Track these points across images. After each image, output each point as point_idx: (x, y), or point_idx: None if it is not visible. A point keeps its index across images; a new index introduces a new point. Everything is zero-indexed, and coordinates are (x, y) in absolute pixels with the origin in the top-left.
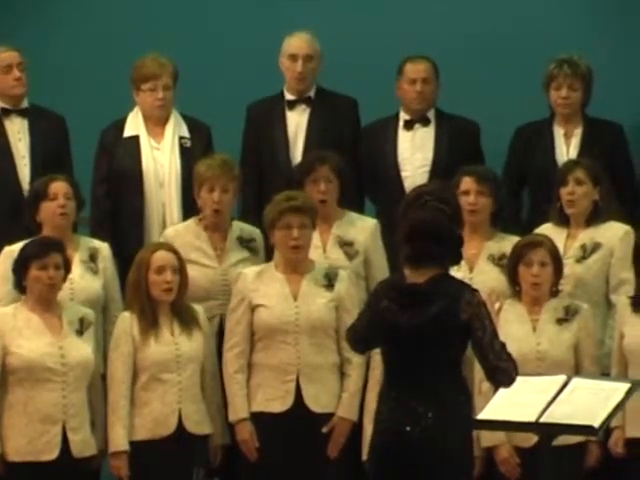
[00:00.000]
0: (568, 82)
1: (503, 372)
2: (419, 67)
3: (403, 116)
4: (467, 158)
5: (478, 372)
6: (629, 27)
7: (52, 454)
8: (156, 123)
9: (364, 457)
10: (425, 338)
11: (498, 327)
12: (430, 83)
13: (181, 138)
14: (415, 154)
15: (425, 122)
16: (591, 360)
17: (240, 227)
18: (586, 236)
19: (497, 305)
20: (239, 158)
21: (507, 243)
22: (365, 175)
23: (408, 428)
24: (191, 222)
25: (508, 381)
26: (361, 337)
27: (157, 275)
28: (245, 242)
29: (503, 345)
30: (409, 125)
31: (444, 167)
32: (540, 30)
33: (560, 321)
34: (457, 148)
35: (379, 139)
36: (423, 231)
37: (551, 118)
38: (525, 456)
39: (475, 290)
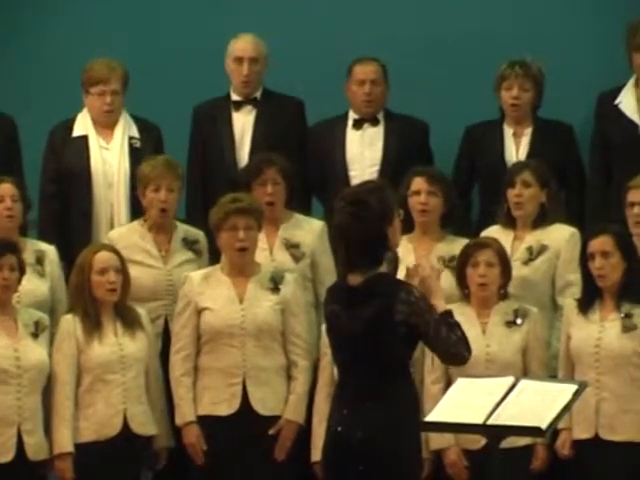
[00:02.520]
0: (519, 83)
1: (454, 357)
2: (367, 69)
3: (352, 115)
4: (416, 158)
5: (427, 374)
6: (579, 29)
7: (7, 456)
8: (105, 124)
9: (313, 459)
10: (365, 340)
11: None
12: (379, 84)
13: (131, 138)
14: (364, 153)
15: (374, 122)
16: (539, 363)
17: (185, 229)
18: (533, 238)
19: (437, 271)
20: (186, 159)
21: (457, 245)
22: (313, 174)
23: (355, 430)
24: (135, 224)
25: (461, 362)
26: None
27: (100, 276)
28: (189, 244)
29: (449, 328)
30: (358, 124)
31: (393, 167)
32: (491, 31)
33: (509, 324)
34: (406, 148)
35: (328, 138)
36: (335, 237)
37: (501, 119)
38: (473, 458)
39: (412, 286)
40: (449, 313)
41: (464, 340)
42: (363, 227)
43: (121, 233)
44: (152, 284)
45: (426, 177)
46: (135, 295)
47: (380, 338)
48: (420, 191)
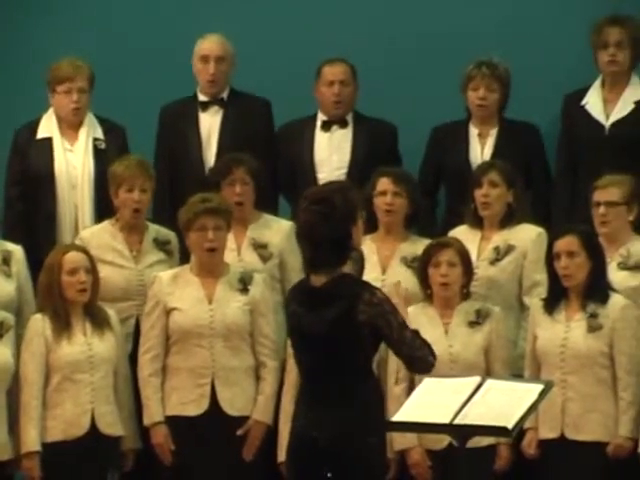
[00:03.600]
0: (486, 83)
1: (420, 360)
2: (337, 69)
3: (321, 117)
4: (384, 160)
5: (390, 374)
6: (545, 29)
7: None
8: (70, 125)
9: (280, 459)
10: (328, 341)
11: (407, 319)
12: (348, 85)
13: (95, 140)
14: (332, 155)
15: (343, 124)
16: (502, 363)
17: (156, 229)
18: (499, 238)
19: (403, 292)
20: (153, 160)
21: (420, 245)
22: (282, 175)
23: (319, 432)
24: (106, 224)
25: (427, 367)
26: None
27: (70, 276)
28: (161, 244)
29: (414, 334)
30: (327, 126)
31: (361, 169)
32: (458, 32)
33: (472, 324)
34: (374, 150)
35: (296, 139)
36: (300, 236)
37: (468, 119)
38: (437, 459)
39: (375, 288)
40: (416, 332)
41: (429, 347)
42: (328, 226)
43: (92, 233)
44: (123, 284)
45: (392, 178)
46: (106, 295)
47: (343, 339)
48: (386, 191)
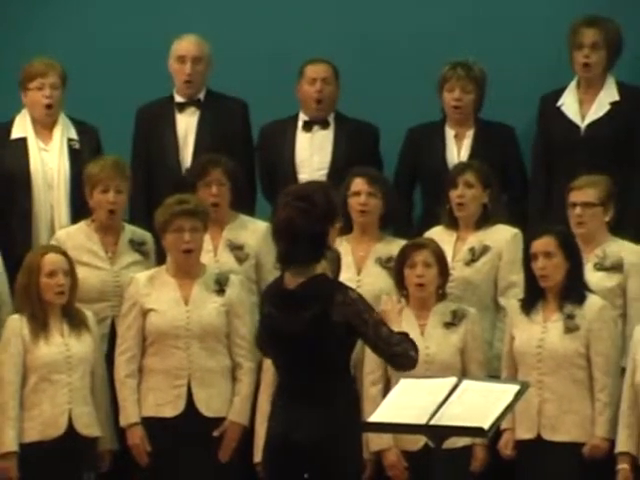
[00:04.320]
0: (461, 84)
1: (400, 356)
2: (319, 68)
3: (302, 117)
4: (365, 162)
5: (366, 375)
6: (521, 30)
7: None
8: (44, 125)
9: (256, 459)
10: (304, 343)
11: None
12: (330, 84)
13: (70, 140)
14: (313, 156)
15: (324, 124)
16: (478, 364)
17: (132, 230)
18: (475, 239)
19: (399, 306)
20: (129, 161)
21: (395, 246)
22: (263, 175)
23: (294, 432)
24: (82, 224)
25: (409, 362)
26: (262, 343)
27: (49, 278)
28: (137, 245)
29: (391, 330)
30: (308, 127)
31: (342, 170)
32: (437, 33)
33: (447, 325)
34: (355, 151)
35: (278, 139)
36: (278, 231)
37: (443, 120)
38: (412, 459)
39: (348, 288)
40: (406, 334)
41: (410, 342)
42: (307, 221)
43: (68, 233)
44: (99, 285)
45: (366, 178)
46: (82, 296)
47: (319, 340)
48: (360, 192)
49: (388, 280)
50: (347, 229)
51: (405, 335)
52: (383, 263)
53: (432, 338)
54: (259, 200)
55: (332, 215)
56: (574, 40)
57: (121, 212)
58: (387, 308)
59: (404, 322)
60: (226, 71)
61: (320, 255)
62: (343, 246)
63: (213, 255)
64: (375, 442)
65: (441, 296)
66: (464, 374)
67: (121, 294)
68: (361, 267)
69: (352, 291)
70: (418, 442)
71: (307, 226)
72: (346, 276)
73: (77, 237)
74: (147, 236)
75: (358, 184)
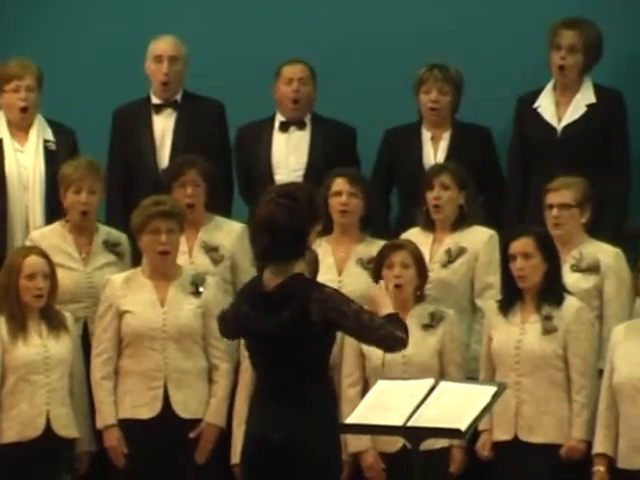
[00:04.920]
0: (438, 86)
1: (387, 339)
2: (296, 68)
3: (279, 118)
4: (342, 163)
5: (344, 377)
6: (498, 32)
7: None
8: (19, 127)
9: (233, 461)
10: (282, 343)
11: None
12: (307, 84)
13: (46, 141)
14: (289, 157)
15: (301, 125)
16: (456, 366)
17: (106, 231)
18: (451, 240)
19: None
20: (106, 162)
21: (376, 247)
22: (240, 176)
23: (272, 432)
24: (57, 225)
25: (397, 342)
26: (229, 328)
27: (28, 281)
28: (111, 246)
29: (372, 316)
30: (284, 127)
31: (318, 171)
32: (414, 33)
33: (426, 327)
34: (332, 152)
35: (254, 140)
36: (258, 228)
37: (420, 122)
38: (390, 461)
39: (324, 285)
40: (395, 314)
41: (397, 321)
42: (289, 218)
43: (42, 234)
44: (72, 286)
45: (347, 178)
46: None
47: (297, 340)
48: (341, 192)
49: (369, 281)
50: (327, 230)
51: (392, 316)
52: (364, 264)
53: (411, 340)
54: (236, 201)
55: (314, 215)
56: (552, 41)
57: (94, 213)
58: (375, 293)
59: None
60: (202, 72)
61: (300, 253)
62: (323, 247)
63: (188, 257)
64: (353, 444)
65: (419, 297)
66: (442, 376)
67: (95, 295)
68: (342, 268)
69: (327, 287)
70: (396, 444)
71: (289, 223)
72: (327, 277)
73: (51, 238)
74: (122, 237)
75: (339, 184)
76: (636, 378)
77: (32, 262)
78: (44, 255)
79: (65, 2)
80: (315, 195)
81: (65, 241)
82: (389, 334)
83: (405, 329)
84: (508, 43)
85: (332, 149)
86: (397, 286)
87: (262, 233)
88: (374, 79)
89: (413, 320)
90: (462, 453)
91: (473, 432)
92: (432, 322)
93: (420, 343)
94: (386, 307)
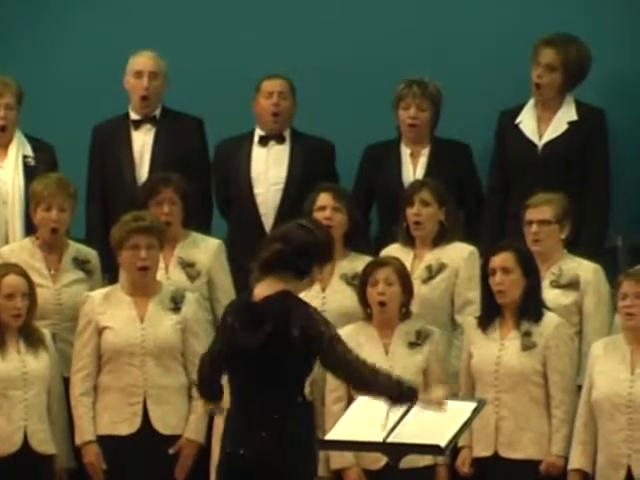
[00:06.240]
0: (416, 102)
1: (352, 373)
2: (276, 82)
3: (258, 132)
4: (321, 178)
5: (328, 393)
6: (478, 48)
7: None
8: None
9: (212, 477)
10: (261, 357)
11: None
12: (286, 99)
13: (25, 157)
14: (269, 171)
15: (280, 139)
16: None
17: (76, 248)
18: (432, 257)
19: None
20: (85, 178)
21: (360, 263)
22: (219, 191)
23: (247, 449)
24: (27, 241)
25: (361, 381)
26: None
27: (6, 301)
28: (80, 263)
29: (347, 349)
30: (264, 141)
31: (297, 185)
32: (393, 50)
33: (412, 345)
34: (312, 167)
35: (234, 154)
36: (272, 237)
37: (399, 138)
38: (373, 478)
39: (306, 304)
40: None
41: (370, 366)
42: (306, 238)
43: (12, 250)
44: (40, 303)
45: (332, 193)
46: None
47: (276, 355)
48: (326, 207)
49: (353, 297)
50: None
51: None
52: (348, 280)
53: (396, 357)
54: (215, 217)
55: (327, 251)
56: (533, 58)
57: (64, 230)
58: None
59: (368, 341)
60: (181, 88)
61: (299, 273)
62: None
63: (165, 273)
64: (336, 460)
65: (405, 315)
66: None
67: (62, 312)
68: (326, 284)
69: (312, 307)
70: (380, 461)
71: (302, 240)
72: (311, 293)
73: (20, 254)
74: (92, 254)
75: (323, 199)
76: (614, 394)
77: (11, 282)
78: (23, 274)
79: (45, 18)
80: (333, 241)
81: (34, 257)
82: (361, 374)
83: (373, 370)
84: (490, 59)
85: (311, 164)
86: (381, 303)
87: (273, 242)
88: (353, 95)
89: (400, 337)
90: (447, 471)
91: (453, 448)
92: (418, 340)
93: (406, 361)
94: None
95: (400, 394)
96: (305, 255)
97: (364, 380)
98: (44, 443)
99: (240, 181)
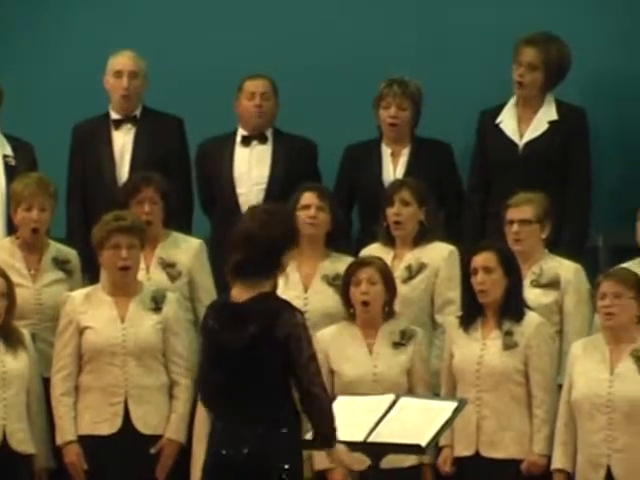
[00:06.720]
0: (397, 101)
1: (315, 398)
2: (258, 82)
3: (241, 132)
4: (304, 177)
5: None
6: (461, 47)
7: None
8: None
9: (193, 477)
10: (246, 358)
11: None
12: (269, 99)
13: (5, 157)
14: (251, 171)
15: (262, 139)
16: (424, 385)
17: (57, 248)
18: (412, 256)
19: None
20: (65, 177)
21: (342, 263)
22: (201, 191)
23: (234, 449)
24: (7, 241)
25: (318, 409)
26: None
27: None
28: (60, 263)
29: (319, 371)
30: (246, 141)
31: (280, 185)
32: (374, 50)
33: (396, 345)
34: (294, 167)
35: (216, 154)
36: (235, 241)
37: (380, 137)
38: (359, 479)
39: (296, 310)
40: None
41: (328, 395)
42: (268, 234)
43: None
44: (19, 302)
45: (317, 192)
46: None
47: (261, 356)
48: (310, 205)
49: (335, 298)
50: None
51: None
52: (330, 281)
53: (380, 357)
54: (196, 217)
55: (292, 236)
56: (515, 57)
57: (44, 230)
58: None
59: (352, 341)
60: (161, 88)
61: (272, 271)
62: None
63: (145, 273)
64: (321, 461)
65: (388, 314)
66: (410, 394)
67: (42, 312)
68: (308, 285)
69: (299, 313)
70: (365, 461)
71: (265, 239)
72: (293, 294)
73: (0, 254)
74: (72, 254)
75: (308, 198)
76: (594, 394)
77: None
78: (2, 274)
79: (24, 19)
80: (294, 218)
81: (14, 257)
82: (318, 396)
83: (329, 403)
84: (471, 58)
85: (294, 163)
86: (364, 303)
87: (237, 247)
88: (336, 95)
89: (384, 337)
90: (432, 471)
91: (433, 448)
92: (402, 340)
93: (391, 361)
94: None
95: (330, 437)
96: (273, 254)
97: (319, 408)
98: (23, 443)
99: (223, 181)
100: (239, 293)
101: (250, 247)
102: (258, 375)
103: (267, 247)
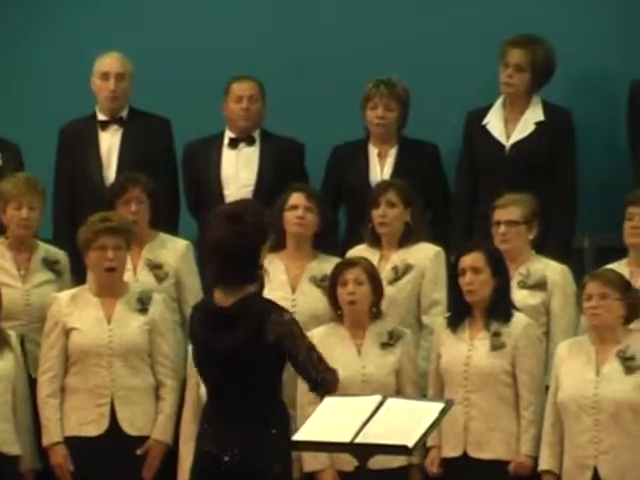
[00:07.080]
0: (384, 102)
1: (325, 383)
2: (245, 85)
3: (228, 134)
4: (291, 178)
5: (301, 395)
6: (447, 48)
7: None
8: None
9: (180, 479)
10: (234, 361)
11: None
12: (256, 101)
13: None
14: (239, 172)
15: (250, 141)
16: (413, 385)
17: (46, 248)
18: (398, 258)
19: None
20: (52, 178)
21: (329, 264)
22: (189, 193)
23: (223, 450)
24: None
25: (333, 389)
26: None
27: None
28: (50, 264)
29: (320, 357)
30: (234, 143)
31: (268, 187)
32: (362, 50)
33: (384, 345)
34: (281, 168)
35: (203, 156)
36: (210, 252)
37: (367, 138)
38: None
39: (284, 310)
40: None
41: (332, 370)
42: (240, 242)
43: None
44: (9, 303)
45: (305, 193)
46: None
47: (250, 359)
48: (298, 206)
49: (323, 299)
50: (280, 245)
51: (321, 357)
52: (317, 282)
53: (369, 358)
54: (183, 218)
55: (263, 234)
56: (501, 59)
57: (34, 229)
58: None
59: (340, 342)
60: (148, 89)
61: (253, 274)
62: (276, 264)
63: (132, 274)
64: (310, 462)
65: (376, 314)
66: (398, 395)
67: (32, 313)
68: (295, 286)
69: (286, 312)
70: (354, 462)
71: (239, 247)
72: (280, 295)
73: None
74: (61, 255)
75: (296, 198)
76: (580, 395)
77: None
78: None
79: (10, 18)
80: (263, 212)
81: (3, 257)
82: (330, 381)
83: (337, 382)
84: (458, 59)
85: (281, 165)
86: (351, 303)
87: (213, 257)
88: (322, 95)
89: (372, 338)
90: (420, 472)
91: (420, 449)
92: (391, 340)
93: (379, 361)
94: None
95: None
96: (249, 258)
97: (332, 388)
98: (9, 444)
99: (210, 183)
100: (224, 298)
101: (224, 257)
102: (248, 377)
103: (241, 254)
